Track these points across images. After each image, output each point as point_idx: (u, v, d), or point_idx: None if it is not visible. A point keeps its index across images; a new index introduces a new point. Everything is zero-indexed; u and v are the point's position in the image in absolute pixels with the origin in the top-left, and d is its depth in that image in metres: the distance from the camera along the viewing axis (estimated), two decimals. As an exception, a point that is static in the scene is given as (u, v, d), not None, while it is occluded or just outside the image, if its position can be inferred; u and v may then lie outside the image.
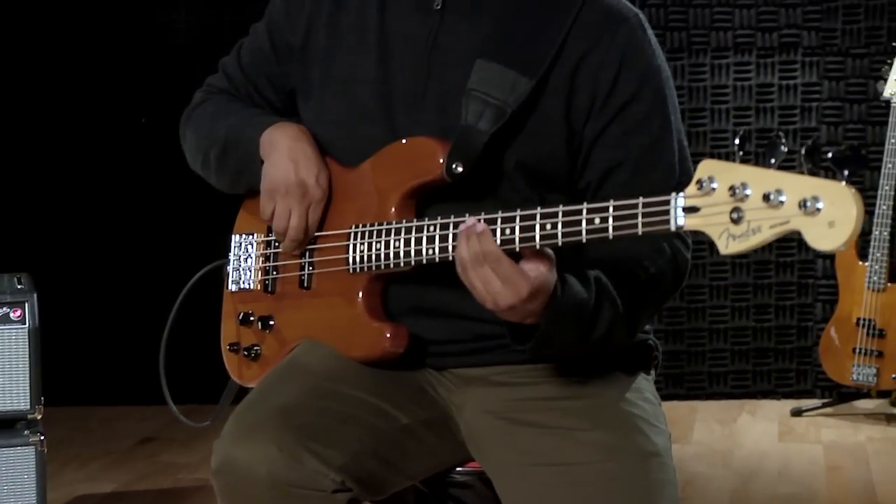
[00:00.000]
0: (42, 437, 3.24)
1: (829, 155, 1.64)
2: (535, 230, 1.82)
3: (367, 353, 2.06)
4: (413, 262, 1.98)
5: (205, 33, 5.19)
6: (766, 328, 5.23)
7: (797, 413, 4.96)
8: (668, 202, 1.70)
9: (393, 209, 2.02)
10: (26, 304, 3.24)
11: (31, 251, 4.98)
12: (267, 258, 2.21)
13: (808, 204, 1.55)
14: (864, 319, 4.80)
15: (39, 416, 3.27)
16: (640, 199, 1.74)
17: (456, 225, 1.91)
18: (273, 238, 2.18)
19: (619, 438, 2.00)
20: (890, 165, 4.70)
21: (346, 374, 2.07)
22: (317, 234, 2.12)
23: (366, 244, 2.03)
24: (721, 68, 5.19)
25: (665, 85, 2.06)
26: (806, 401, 5.10)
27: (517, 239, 1.83)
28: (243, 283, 2.24)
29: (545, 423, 2.03)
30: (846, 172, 1.60)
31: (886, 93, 4.72)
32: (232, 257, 2.26)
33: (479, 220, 1.86)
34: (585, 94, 2.02)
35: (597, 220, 1.77)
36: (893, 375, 4.77)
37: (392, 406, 2.06)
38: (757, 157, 5.10)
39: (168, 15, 5.24)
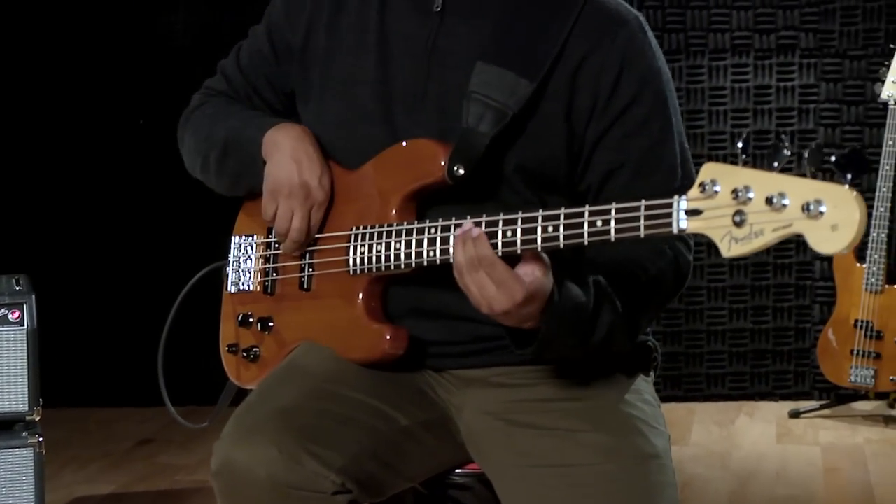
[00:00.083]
0: (40, 439, 3.24)
1: (833, 158, 1.63)
2: (536, 232, 1.82)
3: (367, 354, 2.06)
4: (414, 264, 1.98)
5: (203, 35, 5.19)
6: (764, 330, 5.24)
7: (795, 415, 4.97)
8: (670, 205, 1.70)
9: (394, 211, 2.02)
10: (25, 306, 3.24)
11: (30, 252, 4.98)
12: (267, 259, 2.21)
13: (812, 207, 1.55)
14: (862, 321, 4.80)
15: (38, 418, 3.27)
16: (643, 202, 1.74)
17: (457, 227, 1.90)
18: (273, 239, 2.19)
19: (619, 440, 2.00)
20: (888, 167, 4.71)
21: (345, 375, 2.07)
22: (317, 235, 2.12)
23: (366, 246, 2.03)
24: (719, 70, 5.19)
25: (666, 87, 2.06)
26: (804, 402, 5.10)
27: (518, 241, 1.83)
28: (243, 284, 2.24)
29: (544, 424, 2.04)
30: (849, 176, 1.58)
31: (884, 95, 4.72)
32: (231, 259, 2.26)
33: (475, 225, 1.86)
34: (586, 96, 2.02)
35: (599, 223, 1.77)
36: (891, 377, 4.77)
37: (391, 408, 2.06)
38: (755, 158, 5.09)
39: (167, 16, 5.24)
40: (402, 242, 1.98)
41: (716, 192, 1.64)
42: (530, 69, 2.00)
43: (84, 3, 5.22)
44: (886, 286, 4.78)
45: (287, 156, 2.10)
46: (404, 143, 2.04)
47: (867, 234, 4.70)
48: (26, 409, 3.25)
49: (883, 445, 4.61)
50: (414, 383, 2.12)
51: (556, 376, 2.07)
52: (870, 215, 4.66)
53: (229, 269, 2.27)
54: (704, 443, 4.69)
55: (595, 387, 2.07)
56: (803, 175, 1.59)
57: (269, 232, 2.20)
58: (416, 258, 1.97)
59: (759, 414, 5.06)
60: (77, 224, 5.26)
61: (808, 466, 4.39)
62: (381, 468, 2.03)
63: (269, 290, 2.20)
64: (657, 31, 5.05)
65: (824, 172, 1.59)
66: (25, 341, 3.24)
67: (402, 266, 1.99)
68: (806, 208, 1.56)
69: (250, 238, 2.24)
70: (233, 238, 2.27)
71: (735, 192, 1.62)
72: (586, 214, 1.79)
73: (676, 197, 1.70)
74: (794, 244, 5.07)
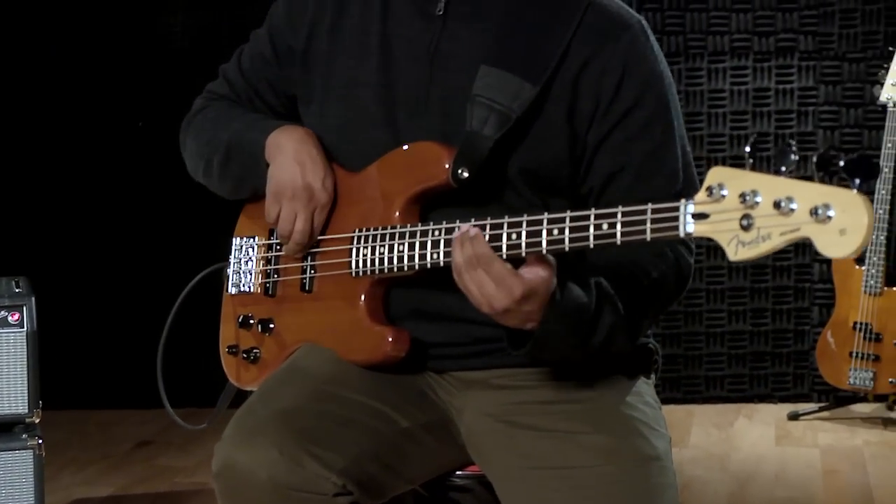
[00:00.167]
0: (40, 441, 3.24)
1: (841, 163, 1.62)
2: (541, 235, 1.82)
3: (369, 356, 2.06)
4: (417, 267, 1.98)
5: (203, 37, 5.19)
6: (762, 332, 5.24)
7: (794, 417, 4.97)
8: (677, 208, 1.70)
9: (397, 213, 2.03)
10: (24, 308, 3.24)
11: (30, 255, 4.98)
12: (268, 261, 2.21)
13: (820, 211, 1.55)
14: (861, 323, 4.80)
15: (37, 420, 3.27)
16: (649, 205, 1.73)
17: (459, 230, 1.90)
18: (274, 241, 2.19)
19: (620, 442, 2.00)
20: (886, 170, 4.71)
21: (346, 377, 2.08)
22: (319, 237, 2.12)
23: (369, 248, 2.04)
24: (718, 72, 5.20)
25: (668, 91, 2.06)
26: (803, 405, 5.10)
27: (524, 244, 1.84)
28: (243, 285, 2.24)
29: (545, 426, 2.04)
30: (857, 181, 1.58)
31: (883, 97, 4.73)
32: (232, 260, 2.26)
33: (481, 227, 1.86)
34: (588, 99, 2.02)
35: (605, 226, 1.77)
36: (890, 379, 4.78)
37: (392, 409, 2.07)
38: (754, 160, 5.10)
39: (166, 19, 5.24)
40: (406, 245, 1.99)
41: (723, 196, 1.64)
42: (533, 73, 2.00)
43: (84, 5, 5.22)
44: (885, 288, 4.79)
45: (290, 158, 2.10)
46: (407, 147, 2.04)
47: (866, 236, 4.70)
48: (26, 411, 3.26)
49: (882, 447, 4.61)
50: (415, 385, 2.12)
51: (556, 378, 2.07)
52: (869, 217, 4.65)
53: (230, 271, 2.27)
54: (703, 445, 4.69)
55: (596, 389, 2.07)
56: (810, 179, 1.59)
57: (270, 234, 2.20)
58: (419, 260, 1.97)
59: (758, 416, 5.06)
60: (77, 226, 5.26)
61: (807, 468, 4.39)
62: (382, 470, 2.03)
63: (270, 292, 2.20)
64: (656, 34, 5.00)
65: (832, 176, 1.59)
66: (25, 343, 3.24)
67: (406, 268, 1.99)
68: (814, 212, 1.56)
69: (251, 240, 2.24)
70: (234, 240, 2.27)
71: (743, 195, 1.62)
72: (592, 217, 1.78)
73: (683, 201, 1.70)
74: (794, 246, 5.07)
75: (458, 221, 1.92)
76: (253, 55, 2.26)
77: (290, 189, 2.09)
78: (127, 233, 5.25)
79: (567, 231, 1.80)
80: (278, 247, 2.18)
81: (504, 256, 1.84)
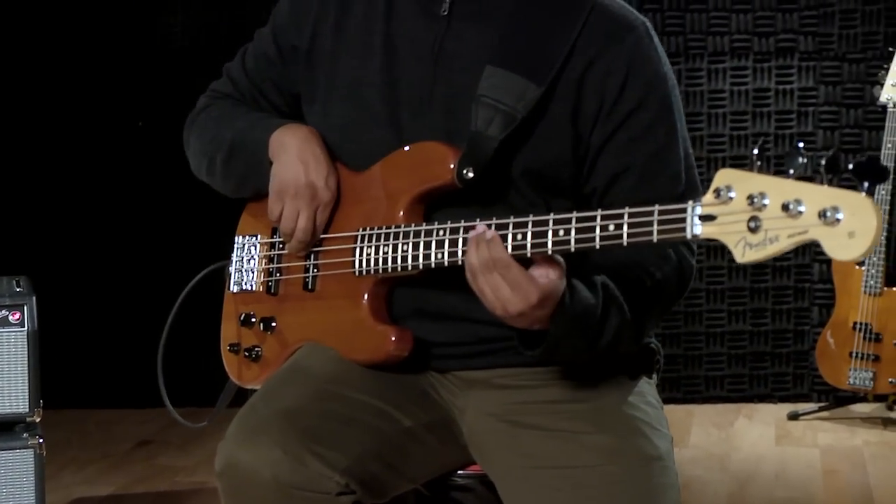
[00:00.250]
0: (41, 440, 3.24)
1: (850, 166, 1.62)
2: (547, 236, 1.82)
3: (372, 356, 2.06)
4: (422, 266, 1.98)
5: (202, 37, 5.19)
6: (762, 332, 5.24)
7: (794, 417, 4.97)
8: (684, 210, 1.70)
9: (401, 213, 2.03)
10: (25, 307, 3.24)
11: (30, 254, 4.98)
12: (270, 260, 2.21)
13: (828, 214, 1.55)
14: (861, 323, 4.80)
15: (38, 419, 3.27)
16: (656, 207, 1.73)
17: (466, 229, 1.91)
18: (277, 240, 2.19)
19: (622, 442, 2.01)
20: (886, 170, 4.71)
21: (348, 376, 2.08)
22: (322, 236, 2.12)
23: (373, 247, 2.04)
24: (718, 73, 5.20)
25: (671, 93, 2.06)
26: (803, 405, 5.10)
27: (529, 245, 1.84)
28: (245, 284, 2.24)
29: (548, 426, 2.04)
30: (866, 184, 1.58)
31: (883, 98, 4.73)
32: (234, 258, 2.26)
33: (489, 227, 1.87)
34: (592, 100, 2.03)
35: (611, 227, 1.77)
36: (890, 379, 4.78)
37: (395, 409, 2.07)
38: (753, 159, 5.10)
39: (166, 18, 5.24)
40: (410, 244, 1.99)
41: (731, 198, 1.64)
42: (538, 73, 2.00)
43: (84, 5, 5.22)
44: (885, 288, 4.79)
45: (293, 156, 2.10)
46: (410, 147, 2.04)
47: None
48: (27, 410, 3.25)
49: (882, 447, 4.61)
50: (417, 384, 2.12)
51: (559, 378, 2.08)
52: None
53: (232, 269, 2.27)
54: (703, 445, 4.69)
55: (598, 389, 2.08)
56: (814, 180, 1.59)
57: (272, 232, 2.20)
58: (423, 260, 1.97)
59: (758, 416, 5.06)
60: (77, 226, 5.26)
61: (807, 468, 4.39)
62: (385, 469, 2.03)
63: (272, 291, 2.20)
64: (656, 34, 5.05)
65: (841, 178, 1.59)
66: (26, 342, 3.24)
67: (410, 268, 1.99)
68: (822, 215, 1.56)
69: (254, 238, 2.24)
70: (236, 238, 2.27)
71: (750, 198, 1.61)
72: (598, 218, 1.78)
73: (691, 202, 1.70)
74: (793, 247, 5.07)
75: (462, 221, 1.92)
76: (257, 54, 2.26)
77: (293, 187, 2.09)
78: (127, 232, 5.26)
79: (573, 232, 1.80)
80: (281, 245, 2.18)
81: (509, 257, 1.85)
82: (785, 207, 1.59)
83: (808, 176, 1.62)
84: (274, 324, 2.20)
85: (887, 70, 4.73)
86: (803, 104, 5.17)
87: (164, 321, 2.31)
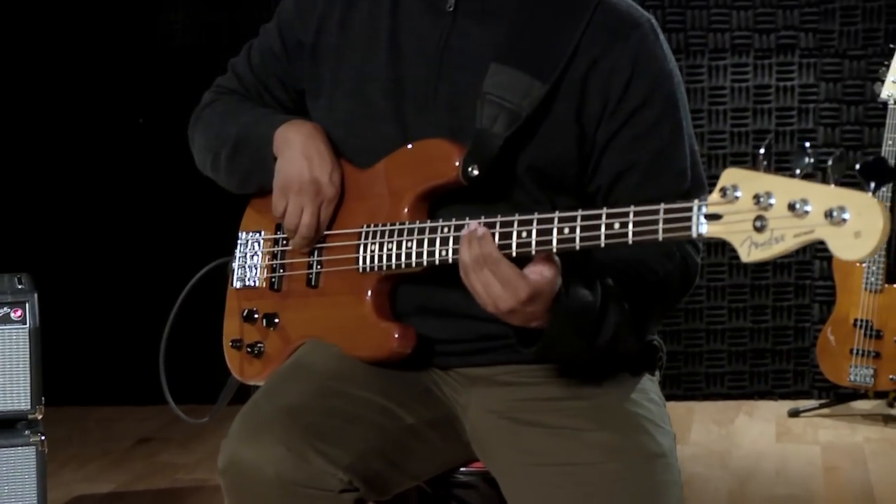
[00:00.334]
0: (43, 438, 3.23)
1: (857, 166, 1.62)
2: (552, 234, 1.82)
3: (375, 352, 2.06)
4: (425, 263, 1.97)
5: (203, 35, 5.19)
6: (763, 329, 5.24)
7: (794, 414, 4.97)
8: (689, 208, 1.69)
9: (406, 210, 2.02)
10: (27, 304, 3.24)
11: (32, 251, 4.98)
12: (274, 256, 2.21)
13: (835, 214, 1.55)
14: (862, 320, 4.81)
15: (40, 416, 3.27)
16: (662, 205, 1.73)
17: (467, 228, 1.90)
18: (280, 236, 2.19)
19: (624, 439, 2.00)
20: (887, 167, 4.71)
21: (351, 373, 2.08)
22: (326, 232, 2.12)
23: (377, 244, 2.03)
24: (718, 70, 5.20)
25: (676, 90, 2.06)
26: (803, 402, 5.11)
27: (534, 242, 1.83)
28: (248, 280, 2.24)
29: (550, 423, 2.04)
30: (872, 184, 1.58)
31: (883, 94, 4.73)
32: (238, 254, 2.26)
33: (480, 224, 1.86)
34: (597, 98, 2.02)
35: (616, 225, 1.77)
36: (891, 376, 4.78)
37: (397, 406, 2.07)
38: (753, 158, 5.11)
39: (166, 16, 5.24)
40: (414, 241, 1.98)
41: (737, 198, 1.64)
42: (543, 70, 2.00)
43: (84, 3, 5.22)
44: (886, 285, 4.79)
45: (298, 152, 2.10)
46: (413, 145, 2.04)
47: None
48: (28, 407, 3.25)
49: (882, 444, 4.61)
50: (420, 381, 2.12)
51: (561, 375, 2.07)
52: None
53: (235, 265, 2.27)
54: (704, 442, 4.69)
55: (601, 386, 2.07)
56: (826, 182, 1.59)
57: (276, 228, 2.20)
58: (427, 257, 1.97)
59: (759, 413, 5.06)
60: (78, 223, 5.26)
61: (808, 465, 4.40)
62: (387, 466, 2.03)
63: (275, 287, 2.20)
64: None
65: (847, 178, 1.59)
66: (28, 340, 3.24)
67: (414, 265, 1.99)
68: (829, 215, 1.56)
69: (257, 234, 2.24)
70: (240, 234, 2.27)
71: (757, 197, 1.61)
72: (604, 217, 1.78)
73: (697, 201, 1.69)
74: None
75: (467, 219, 1.92)
76: (262, 50, 2.26)
77: (297, 183, 2.09)
78: (128, 229, 5.26)
79: (578, 230, 1.80)
80: (284, 241, 2.18)
81: (514, 254, 1.84)
82: (791, 207, 1.58)
83: (812, 173, 1.61)
84: (277, 320, 2.20)
85: (888, 67, 4.73)
86: (804, 101, 5.17)
87: (165, 318, 2.30)
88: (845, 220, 1.55)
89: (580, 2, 2.04)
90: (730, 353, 5.25)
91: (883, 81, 4.73)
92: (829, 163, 1.60)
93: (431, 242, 1.96)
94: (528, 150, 2.02)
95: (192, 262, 2.31)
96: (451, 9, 2.08)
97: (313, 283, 2.14)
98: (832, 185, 1.57)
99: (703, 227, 1.68)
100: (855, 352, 4.82)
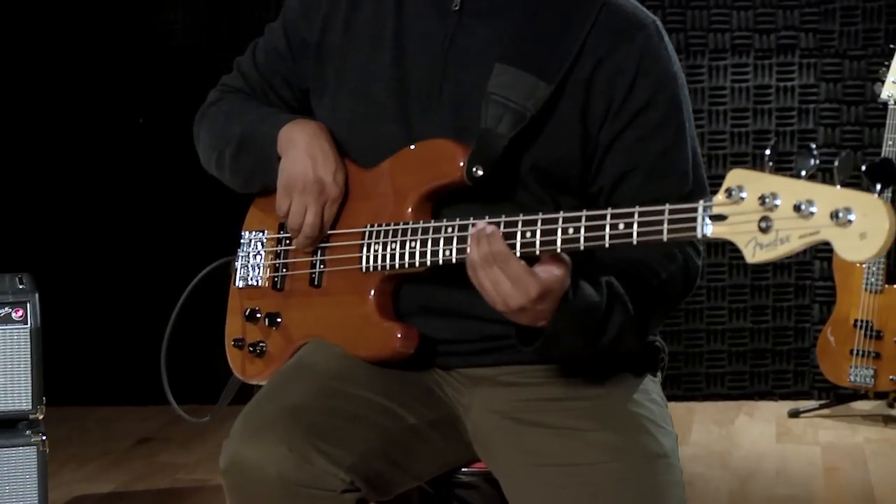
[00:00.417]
0: (44, 437, 3.23)
1: (863, 167, 1.63)
2: (556, 234, 1.82)
3: (377, 352, 2.06)
4: (429, 263, 1.97)
5: (203, 35, 5.19)
6: (763, 329, 5.24)
7: (795, 414, 4.97)
8: (694, 209, 1.69)
9: (410, 210, 2.02)
10: (28, 304, 3.23)
11: (33, 251, 4.98)
12: (277, 255, 2.21)
13: (840, 215, 1.55)
14: (862, 321, 4.81)
15: (41, 416, 3.27)
16: (667, 206, 1.73)
17: (474, 227, 1.90)
18: (284, 235, 2.19)
19: (627, 439, 2.00)
20: (888, 167, 4.71)
21: (353, 373, 2.07)
22: (330, 232, 2.12)
23: (380, 244, 2.03)
24: (718, 70, 5.20)
25: (680, 92, 2.07)
26: (803, 402, 5.11)
27: (538, 242, 1.83)
28: (251, 279, 2.24)
29: (552, 423, 2.03)
30: (878, 185, 1.58)
31: (884, 94, 4.73)
32: (241, 253, 2.26)
33: (489, 223, 1.86)
34: (601, 99, 2.02)
35: (621, 226, 1.76)
36: (891, 377, 4.78)
37: (399, 406, 2.07)
38: (754, 158, 5.11)
39: (166, 15, 5.24)
40: (418, 241, 1.98)
41: (742, 198, 1.63)
42: (548, 71, 2.00)
43: (84, 3, 5.22)
44: (886, 286, 4.79)
45: (302, 152, 2.10)
46: (416, 146, 2.04)
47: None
48: (30, 407, 3.25)
49: (882, 445, 4.62)
50: (422, 382, 2.12)
51: (564, 375, 2.07)
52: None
53: (237, 264, 2.27)
54: (704, 442, 4.69)
55: (603, 386, 2.07)
56: (832, 183, 1.59)
57: (280, 228, 2.20)
58: (431, 257, 1.97)
59: (759, 413, 5.07)
60: (79, 223, 5.26)
61: (808, 466, 4.40)
62: (389, 466, 2.03)
63: (278, 286, 2.20)
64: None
65: (853, 179, 1.59)
66: (29, 340, 3.24)
67: (417, 265, 1.99)
68: (835, 216, 1.55)
69: (261, 233, 2.24)
70: (243, 233, 2.27)
71: (762, 198, 1.61)
72: (608, 217, 1.78)
73: (702, 202, 1.69)
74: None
75: (471, 218, 1.92)
76: (267, 49, 2.26)
77: (300, 182, 2.09)
78: (129, 229, 5.26)
79: (582, 230, 1.80)
80: (288, 241, 2.18)
81: (518, 254, 1.84)
82: (797, 208, 1.58)
83: (816, 174, 1.62)
84: (279, 319, 2.20)
85: (888, 67, 4.73)
86: (804, 101, 5.17)
87: (166, 318, 2.30)
88: (851, 222, 1.55)
89: (586, 3, 2.04)
90: (730, 354, 5.25)
91: (883, 82, 4.74)
92: (836, 164, 1.60)
93: (435, 242, 1.96)
94: (532, 150, 2.02)
95: (194, 262, 2.31)
96: (457, 8, 2.08)
97: (316, 283, 2.14)
98: (838, 186, 1.57)
99: (708, 228, 1.68)
100: (855, 352, 4.82)
